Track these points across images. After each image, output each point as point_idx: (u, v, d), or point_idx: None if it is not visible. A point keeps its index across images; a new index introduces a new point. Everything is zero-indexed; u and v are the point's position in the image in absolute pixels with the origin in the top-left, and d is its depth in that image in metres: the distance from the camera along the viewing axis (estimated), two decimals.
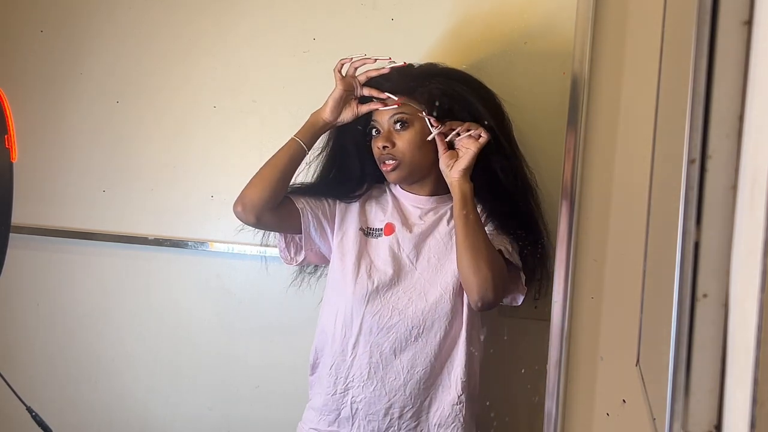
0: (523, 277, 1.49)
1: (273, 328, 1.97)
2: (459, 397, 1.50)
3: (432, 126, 1.46)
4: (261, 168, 1.53)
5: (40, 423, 1.53)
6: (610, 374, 1.09)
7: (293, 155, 1.52)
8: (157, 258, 2.02)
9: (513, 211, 1.54)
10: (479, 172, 1.47)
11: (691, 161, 0.50)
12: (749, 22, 0.46)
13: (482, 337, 1.58)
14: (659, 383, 0.63)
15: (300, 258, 1.62)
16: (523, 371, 1.69)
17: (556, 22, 1.70)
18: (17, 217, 1.66)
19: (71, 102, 2.04)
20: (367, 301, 1.51)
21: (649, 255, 0.89)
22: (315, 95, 1.87)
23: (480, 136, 1.43)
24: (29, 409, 1.53)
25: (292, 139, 1.53)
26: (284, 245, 1.62)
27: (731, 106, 0.47)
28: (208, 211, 1.97)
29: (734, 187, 0.47)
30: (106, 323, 2.07)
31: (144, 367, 2.06)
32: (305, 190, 1.59)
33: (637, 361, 0.94)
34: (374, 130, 1.52)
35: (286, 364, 1.97)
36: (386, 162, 1.49)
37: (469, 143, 1.43)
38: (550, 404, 1.17)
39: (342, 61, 1.51)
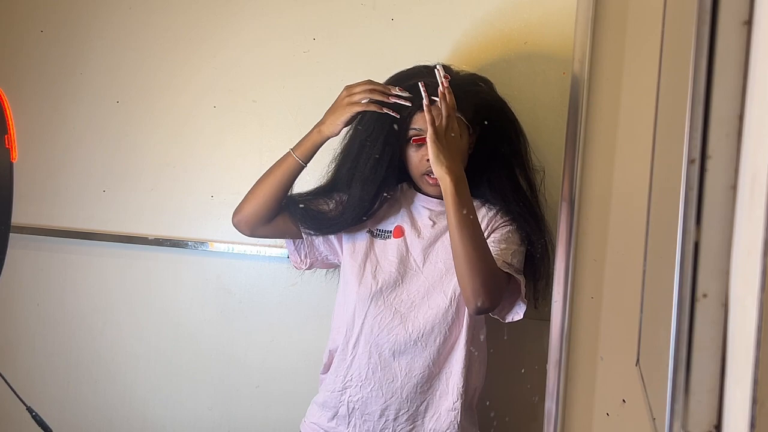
0: (524, 290, 1.45)
1: (273, 328, 1.97)
2: (454, 404, 1.49)
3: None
4: (257, 182, 1.52)
5: (40, 423, 1.53)
6: (610, 374, 1.09)
7: (291, 171, 1.49)
8: (157, 258, 2.02)
9: (526, 213, 1.52)
10: (498, 175, 1.52)
11: (691, 161, 0.50)
12: (749, 22, 0.46)
13: (482, 337, 1.58)
14: (659, 383, 0.63)
15: (308, 263, 1.63)
16: (523, 371, 1.69)
17: (556, 22, 1.70)
18: (17, 217, 1.66)
19: (71, 102, 2.04)
20: (370, 302, 1.51)
21: (649, 255, 0.89)
22: (315, 95, 1.87)
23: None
24: (29, 409, 1.53)
25: (288, 154, 1.49)
26: (293, 248, 1.62)
27: (731, 106, 0.47)
28: (208, 211, 1.97)
29: (734, 187, 0.47)
30: (106, 323, 2.07)
31: (144, 367, 2.06)
32: (310, 201, 1.56)
33: (637, 361, 0.93)
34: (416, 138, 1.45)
35: (286, 364, 1.97)
36: (431, 176, 1.43)
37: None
38: (550, 404, 1.17)
39: (371, 87, 1.43)
